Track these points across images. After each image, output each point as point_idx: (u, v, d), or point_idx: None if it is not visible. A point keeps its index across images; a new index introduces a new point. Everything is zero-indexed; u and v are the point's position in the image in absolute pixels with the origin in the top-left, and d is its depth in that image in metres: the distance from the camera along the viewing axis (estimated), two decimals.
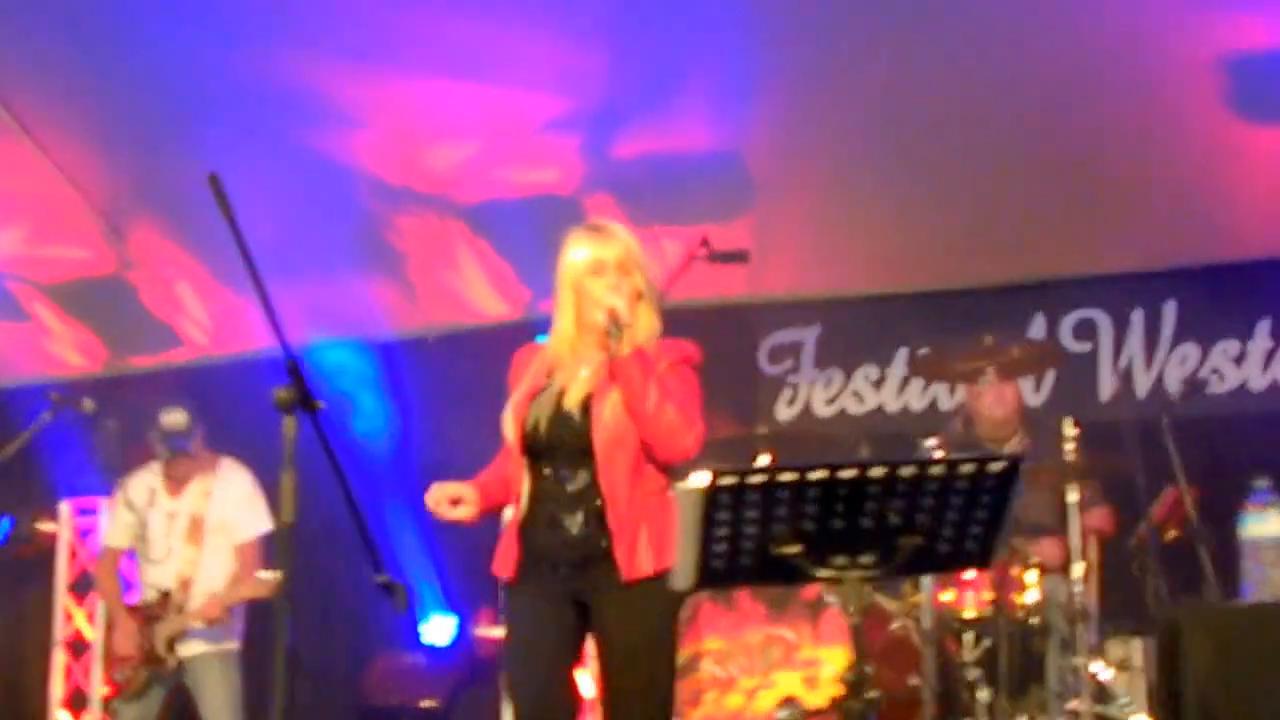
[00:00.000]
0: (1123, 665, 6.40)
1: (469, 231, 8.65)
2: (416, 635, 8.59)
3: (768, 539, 3.40)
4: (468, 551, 8.65)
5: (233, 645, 6.91)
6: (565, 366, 4.64)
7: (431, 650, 8.58)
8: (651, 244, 8.43)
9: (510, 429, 4.58)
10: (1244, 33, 6.90)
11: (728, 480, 3.30)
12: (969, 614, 6.27)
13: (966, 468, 3.29)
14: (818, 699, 6.11)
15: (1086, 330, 7.95)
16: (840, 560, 3.41)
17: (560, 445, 4.52)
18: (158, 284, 9.33)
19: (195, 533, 6.93)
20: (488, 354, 8.78)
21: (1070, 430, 6.36)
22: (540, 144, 8.05)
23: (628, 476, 4.47)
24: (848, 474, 3.29)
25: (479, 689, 8.35)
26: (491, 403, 8.52)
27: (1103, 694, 6.23)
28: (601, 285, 4.56)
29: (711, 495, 3.32)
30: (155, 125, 7.94)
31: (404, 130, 8.16)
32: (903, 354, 8.28)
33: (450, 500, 4.64)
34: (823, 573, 3.43)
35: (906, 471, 3.29)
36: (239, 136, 7.82)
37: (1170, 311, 7.81)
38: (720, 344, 8.23)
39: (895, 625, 6.28)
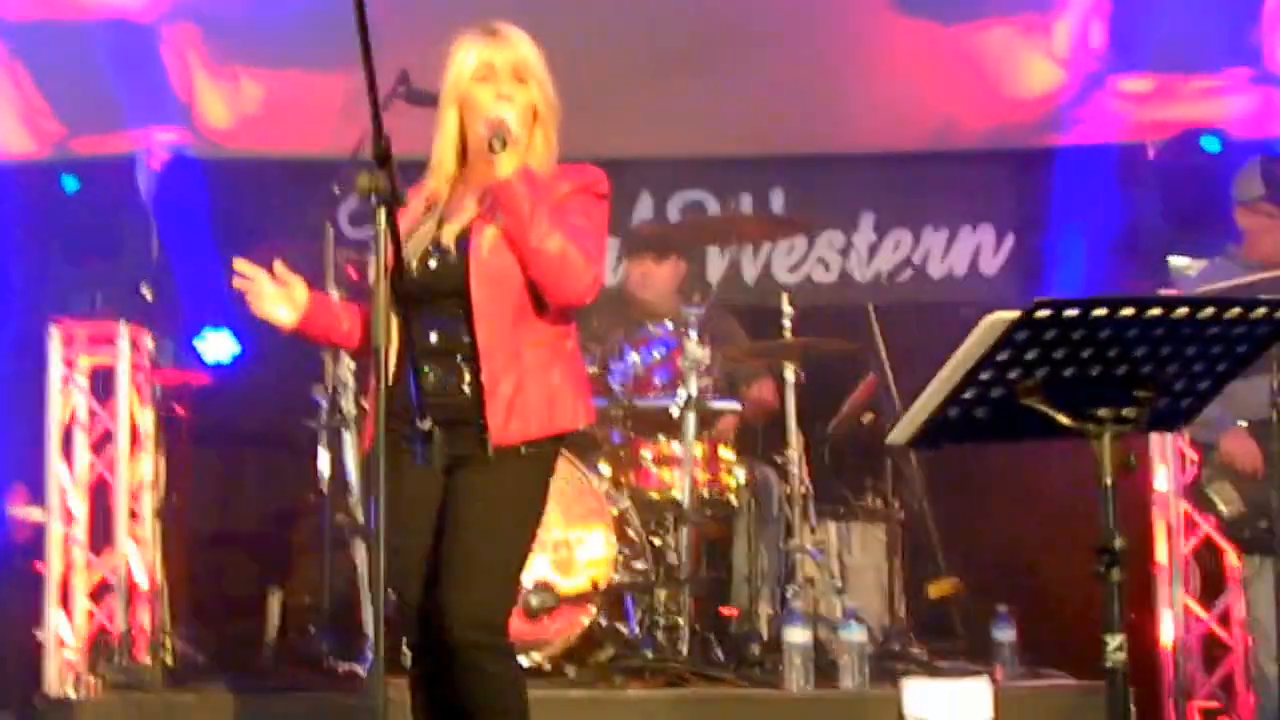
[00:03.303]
0: (820, 549, 6.33)
1: (6, 54, 7.43)
2: None
3: (1020, 387, 3.04)
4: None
5: None
6: (450, 201, 3.97)
7: None
8: (229, 82, 7.61)
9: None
10: None
11: (1044, 312, 2.92)
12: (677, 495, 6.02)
13: (1259, 311, 3.06)
14: (573, 583, 5.65)
15: (694, 212, 7.78)
16: (1103, 413, 3.09)
17: (431, 289, 3.88)
18: None
19: None
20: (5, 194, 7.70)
21: (788, 308, 6.24)
22: None
23: (509, 324, 3.87)
24: (1154, 311, 2.99)
25: (9, 582, 7.24)
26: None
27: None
28: (489, 93, 3.90)
29: (1015, 329, 2.93)
30: None
31: None
32: None
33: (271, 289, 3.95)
34: (1076, 426, 3.10)
35: (1205, 313, 3.02)
36: None
37: (778, 198, 7.78)
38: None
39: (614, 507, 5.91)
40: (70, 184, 7.18)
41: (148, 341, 7.14)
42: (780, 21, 7.29)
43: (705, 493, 6.06)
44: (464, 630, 3.77)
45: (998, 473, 6.86)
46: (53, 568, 7.03)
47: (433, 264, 3.90)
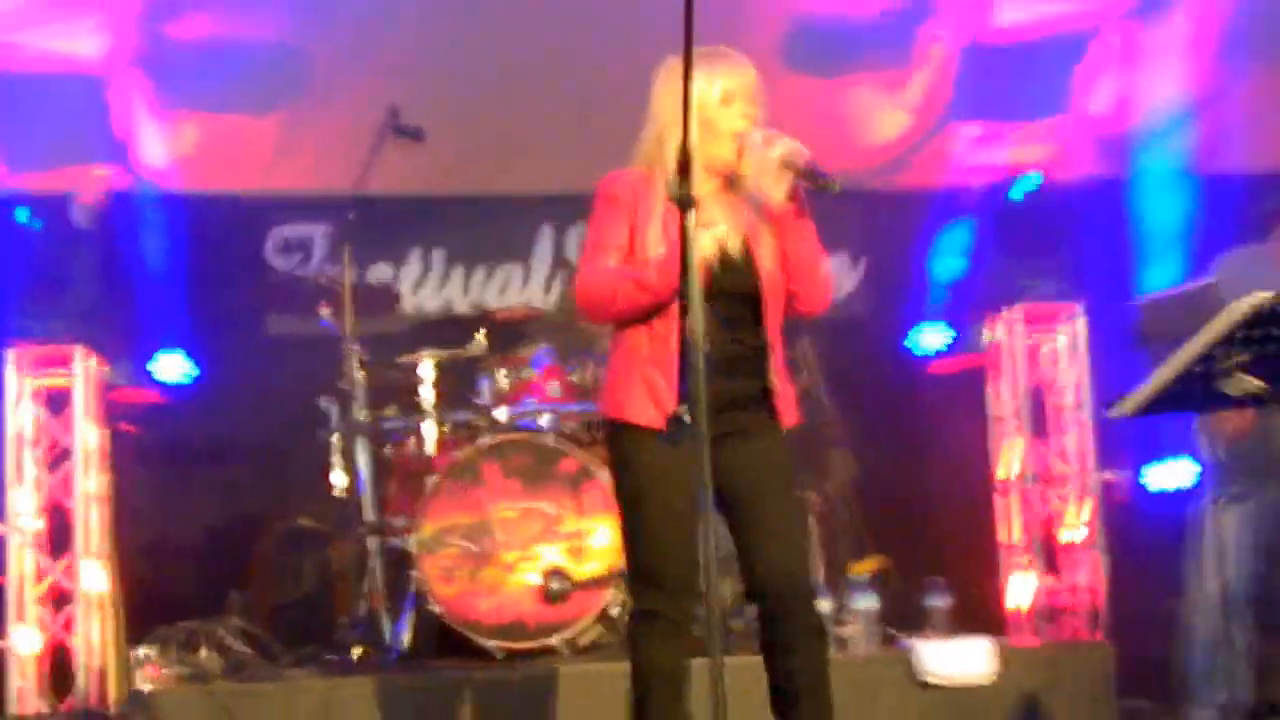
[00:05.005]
0: None
1: None
2: None
3: (1235, 363, 3.73)
4: None
5: None
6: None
7: None
8: (169, 125, 8.17)
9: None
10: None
11: None
12: None
13: None
14: (587, 570, 6.47)
15: None
16: None
17: (724, 291, 4.26)
18: None
19: None
20: None
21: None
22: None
23: (780, 327, 4.41)
24: None
25: None
26: None
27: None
28: (732, 116, 4.38)
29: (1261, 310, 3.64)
30: None
31: None
32: (416, 253, 8.62)
33: None
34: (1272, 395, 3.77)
35: None
36: None
37: None
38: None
39: None
40: (22, 215, 7.61)
41: (93, 364, 7.61)
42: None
43: None
44: (807, 598, 4.34)
45: (915, 466, 7.91)
46: (11, 582, 7.43)
47: (722, 268, 4.28)
